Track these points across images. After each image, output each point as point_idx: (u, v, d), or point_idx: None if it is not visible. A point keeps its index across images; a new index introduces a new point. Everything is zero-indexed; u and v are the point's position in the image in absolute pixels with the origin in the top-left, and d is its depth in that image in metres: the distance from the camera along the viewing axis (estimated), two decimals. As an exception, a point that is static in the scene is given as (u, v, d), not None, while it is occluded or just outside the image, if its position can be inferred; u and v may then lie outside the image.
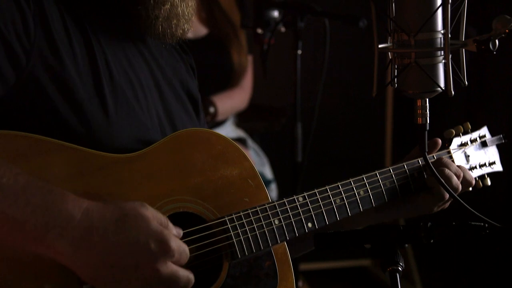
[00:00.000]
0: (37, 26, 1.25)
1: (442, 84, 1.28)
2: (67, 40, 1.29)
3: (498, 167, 1.69)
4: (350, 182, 1.48)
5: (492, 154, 1.69)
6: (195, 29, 2.98)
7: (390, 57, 1.31)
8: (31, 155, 1.20)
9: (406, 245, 1.28)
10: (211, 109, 2.94)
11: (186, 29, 1.40)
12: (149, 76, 1.41)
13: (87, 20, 1.34)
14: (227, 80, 3.06)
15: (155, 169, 1.30)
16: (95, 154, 1.25)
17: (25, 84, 1.23)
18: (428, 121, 1.32)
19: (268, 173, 3.14)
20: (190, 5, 1.40)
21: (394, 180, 1.52)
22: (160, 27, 1.37)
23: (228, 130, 3.08)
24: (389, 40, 1.32)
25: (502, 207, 3.47)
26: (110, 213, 1.16)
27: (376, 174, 1.51)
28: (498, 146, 1.71)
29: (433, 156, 1.59)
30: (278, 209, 1.38)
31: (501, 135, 1.70)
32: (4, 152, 1.18)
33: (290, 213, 1.39)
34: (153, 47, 1.45)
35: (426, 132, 1.33)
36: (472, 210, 1.33)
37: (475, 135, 1.67)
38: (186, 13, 1.39)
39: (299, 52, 2.57)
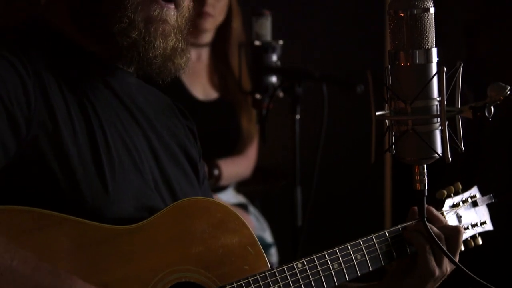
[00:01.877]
0: (37, 96, 1.27)
1: (439, 150, 1.30)
2: (65, 109, 1.31)
3: (489, 227, 1.70)
4: (347, 246, 1.48)
5: (482, 213, 1.71)
6: (207, 92, 3.03)
7: (387, 124, 1.34)
8: (33, 229, 1.21)
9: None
10: (216, 172, 2.96)
11: (183, 64, 1.41)
12: (144, 142, 1.42)
13: (82, 87, 1.35)
14: (234, 146, 3.08)
15: (156, 240, 1.31)
16: (96, 226, 1.26)
17: (25, 154, 1.25)
18: (426, 187, 1.33)
19: (269, 237, 3.14)
20: (179, 39, 1.39)
21: (390, 243, 1.53)
22: (127, 53, 1.36)
23: (229, 196, 3.09)
24: (386, 108, 1.34)
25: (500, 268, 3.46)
26: None
27: (372, 238, 1.52)
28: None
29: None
30: (277, 276, 1.38)
31: (491, 194, 1.72)
32: (8, 229, 1.19)
33: (289, 279, 1.40)
34: (148, 112, 1.46)
35: (425, 197, 1.34)
36: (471, 274, 1.34)
37: (466, 195, 1.68)
38: (180, 47, 1.39)
39: (298, 116, 2.59)
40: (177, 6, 1.38)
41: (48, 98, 1.29)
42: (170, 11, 1.37)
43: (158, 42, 1.36)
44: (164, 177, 1.43)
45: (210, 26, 3.00)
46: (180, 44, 1.39)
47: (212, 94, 3.05)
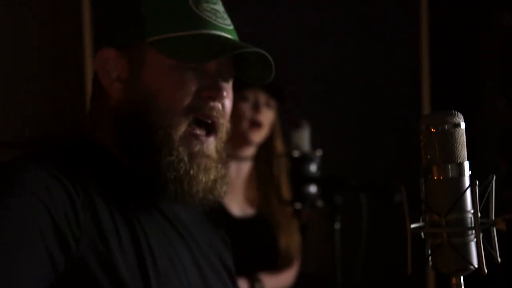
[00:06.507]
0: (86, 213, 1.32)
1: (475, 261, 1.32)
2: (112, 224, 1.35)
3: None
4: None
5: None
6: (243, 209, 3.05)
7: (423, 237, 1.36)
8: None
9: None
10: (257, 286, 2.96)
11: (222, 192, 1.44)
12: (188, 255, 1.46)
13: (129, 204, 1.40)
14: (273, 262, 3.08)
15: None
16: None
17: (74, 270, 1.29)
18: (464, 298, 1.34)
19: None
20: (208, 167, 1.42)
21: None
22: (172, 187, 1.40)
23: (271, 300, 3.08)
24: (421, 220, 1.37)
25: None
26: None
27: None
28: None
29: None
30: None
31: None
32: None
33: None
34: (190, 225, 1.51)
35: (463, 308, 1.35)
36: None
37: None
38: (219, 177, 1.43)
39: (337, 225, 2.62)
40: (216, 134, 1.43)
41: (96, 215, 1.33)
42: (210, 144, 1.42)
43: (200, 177, 1.40)
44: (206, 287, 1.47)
45: (258, 138, 3.03)
46: (220, 173, 1.44)
47: (249, 211, 3.07)
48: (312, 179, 2.70)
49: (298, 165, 2.73)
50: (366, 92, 4.01)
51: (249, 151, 3.05)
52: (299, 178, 2.71)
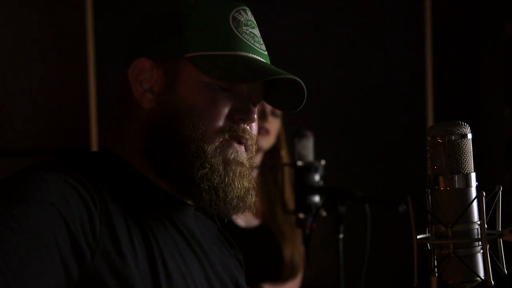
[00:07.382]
0: (102, 225, 1.31)
1: (482, 273, 1.31)
2: (128, 237, 1.34)
3: None
4: None
5: None
6: (248, 219, 3.04)
7: (429, 248, 1.35)
8: None
9: None
10: None
11: (252, 203, 1.45)
12: (201, 273, 1.46)
13: (145, 218, 1.40)
14: (277, 273, 3.07)
15: None
16: None
17: (88, 280, 1.28)
18: (470, 310, 1.33)
19: None
20: (242, 174, 1.43)
21: None
22: (207, 196, 1.40)
23: (274, 314, 3.08)
24: (427, 231, 1.36)
25: None
26: None
27: None
28: None
29: None
30: None
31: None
32: None
33: None
34: (203, 243, 1.50)
35: (470, 321, 1.34)
36: None
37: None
38: (251, 187, 1.44)
39: (341, 236, 2.60)
40: (246, 149, 1.45)
41: (113, 227, 1.33)
42: (243, 154, 1.44)
43: (236, 184, 1.42)
44: None
45: (265, 145, 3.04)
46: (251, 184, 1.45)
47: (253, 221, 3.07)
48: (315, 189, 2.69)
49: (301, 175, 2.72)
50: (370, 102, 4.01)
51: (256, 159, 3.04)
52: (302, 187, 2.70)
